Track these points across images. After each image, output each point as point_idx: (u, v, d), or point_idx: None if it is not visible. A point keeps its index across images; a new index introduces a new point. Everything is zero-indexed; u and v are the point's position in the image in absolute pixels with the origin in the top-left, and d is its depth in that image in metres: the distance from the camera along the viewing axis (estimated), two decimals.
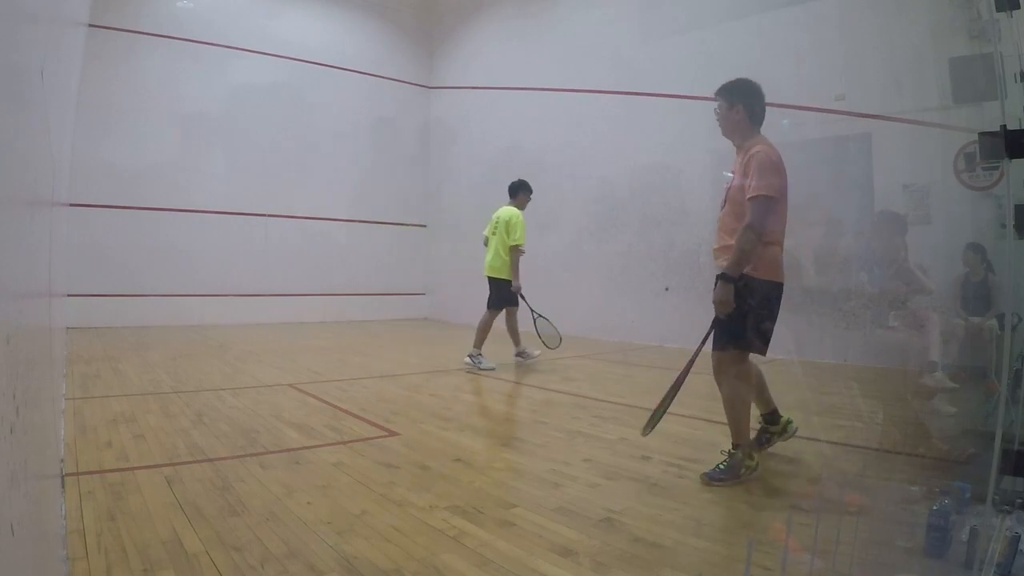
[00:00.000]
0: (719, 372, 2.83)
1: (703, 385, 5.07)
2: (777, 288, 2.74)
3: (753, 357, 2.85)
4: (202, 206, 9.20)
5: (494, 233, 5.80)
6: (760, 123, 2.82)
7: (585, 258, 8.79)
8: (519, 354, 5.91)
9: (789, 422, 3.05)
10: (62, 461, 2.60)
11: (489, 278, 5.79)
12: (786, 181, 2.68)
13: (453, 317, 10.79)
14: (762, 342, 2.73)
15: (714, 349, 2.83)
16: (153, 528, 1.99)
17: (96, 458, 2.72)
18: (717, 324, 2.78)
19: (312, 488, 2.43)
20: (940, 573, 1.83)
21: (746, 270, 2.66)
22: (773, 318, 2.72)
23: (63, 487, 2.32)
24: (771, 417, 3.08)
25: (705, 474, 2.63)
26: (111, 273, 8.31)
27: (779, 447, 3.09)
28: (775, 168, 2.63)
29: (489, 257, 5.80)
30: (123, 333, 7.60)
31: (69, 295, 6.53)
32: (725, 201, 2.95)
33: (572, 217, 9.01)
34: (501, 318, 5.79)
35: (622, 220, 8.37)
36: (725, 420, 3.69)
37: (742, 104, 2.78)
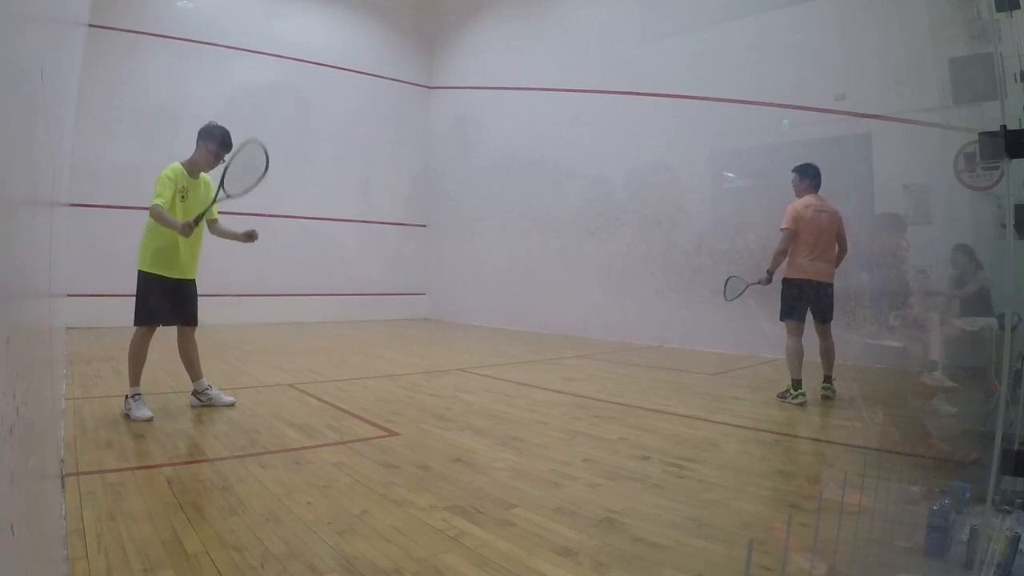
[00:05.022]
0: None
1: (703, 385, 5.08)
2: None
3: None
4: None
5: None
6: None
7: (585, 258, 8.80)
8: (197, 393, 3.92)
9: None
10: (62, 461, 2.60)
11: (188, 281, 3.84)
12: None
13: (453, 317, 10.79)
14: None
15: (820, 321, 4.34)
16: (153, 528, 1.99)
17: (96, 458, 2.72)
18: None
19: (312, 488, 2.43)
20: (940, 573, 1.83)
21: None
22: None
23: (63, 487, 2.32)
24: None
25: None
26: (111, 273, 8.26)
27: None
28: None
29: (192, 256, 3.79)
30: (123, 333, 7.58)
31: (69, 295, 6.53)
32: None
33: (571, 217, 9.01)
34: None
35: (621, 220, 8.37)
36: (725, 420, 3.72)
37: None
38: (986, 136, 2.27)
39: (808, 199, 4.32)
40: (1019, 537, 1.70)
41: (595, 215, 8.70)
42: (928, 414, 3.96)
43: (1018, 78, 2.06)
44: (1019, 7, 2.07)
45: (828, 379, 4.32)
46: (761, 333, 6.49)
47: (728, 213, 7.39)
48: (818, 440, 3.49)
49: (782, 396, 4.26)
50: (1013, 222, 2.25)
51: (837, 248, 4.33)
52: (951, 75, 4.76)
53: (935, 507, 1.86)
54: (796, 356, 4.24)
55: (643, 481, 2.59)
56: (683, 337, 7.37)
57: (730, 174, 7.57)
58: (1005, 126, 1.89)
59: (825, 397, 4.26)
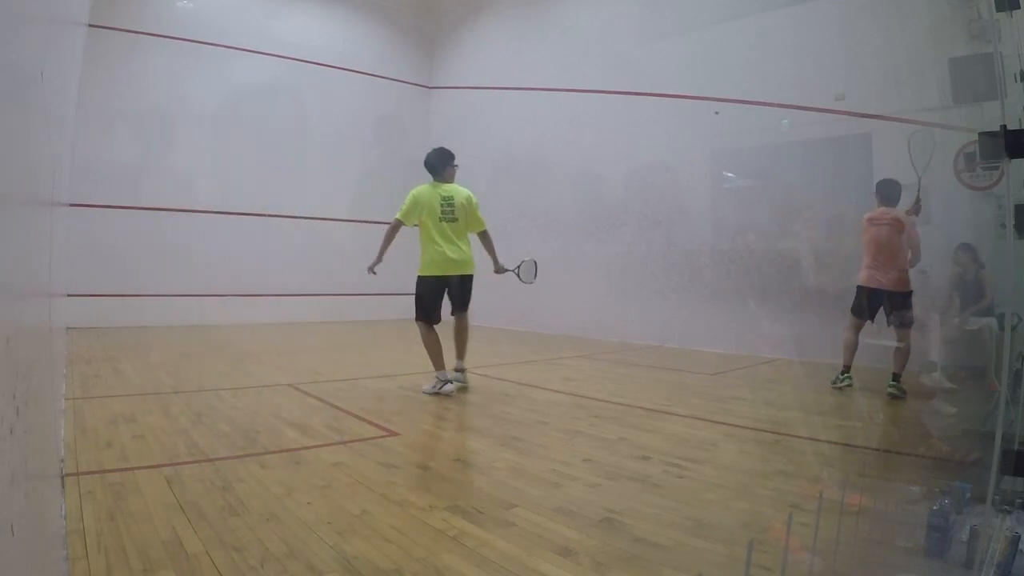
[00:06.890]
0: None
1: (703, 385, 5.08)
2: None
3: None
4: (202, 206, 9.19)
5: (454, 218, 4.47)
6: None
7: (585, 258, 8.79)
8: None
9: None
10: (62, 461, 2.60)
11: (465, 276, 4.64)
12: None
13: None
14: None
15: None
16: (153, 528, 1.99)
17: (96, 458, 2.72)
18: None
19: (312, 488, 2.43)
20: (940, 573, 1.83)
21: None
22: None
23: (63, 487, 2.32)
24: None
25: None
26: (111, 273, 8.30)
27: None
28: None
29: (464, 250, 4.56)
30: (124, 333, 7.59)
31: (69, 295, 6.53)
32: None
33: (572, 217, 9.01)
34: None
35: (622, 220, 8.37)
36: (725, 420, 3.72)
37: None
38: (986, 136, 2.27)
39: (875, 212, 4.66)
40: (1019, 537, 1.70)
41: (595, 215, 8.69)
42: (928, 414, 3.97)
43: (1018, 78, 2.06)
44: (1019, 7, 2.06)
45: (895, 377, 4.47)
46: (761, 333, 6.49)
47: (728, 213, 7.39)
48: (818, 440, 3.49)
49: (833, 382, 4.67)
50: (1013, 222, 2.25)
51: (910, 255, 4.56)
52: (951, 75, 4.76)
53: (935, 507, 1.86)
54: (847, 347, 4.68)
55: (643, 481, 2.59)
56: (683, 337, 7.37)
57: (730, 174, 7.57)
58: (1005, 126, 1.89)
59: (890, 395, 4.41)
